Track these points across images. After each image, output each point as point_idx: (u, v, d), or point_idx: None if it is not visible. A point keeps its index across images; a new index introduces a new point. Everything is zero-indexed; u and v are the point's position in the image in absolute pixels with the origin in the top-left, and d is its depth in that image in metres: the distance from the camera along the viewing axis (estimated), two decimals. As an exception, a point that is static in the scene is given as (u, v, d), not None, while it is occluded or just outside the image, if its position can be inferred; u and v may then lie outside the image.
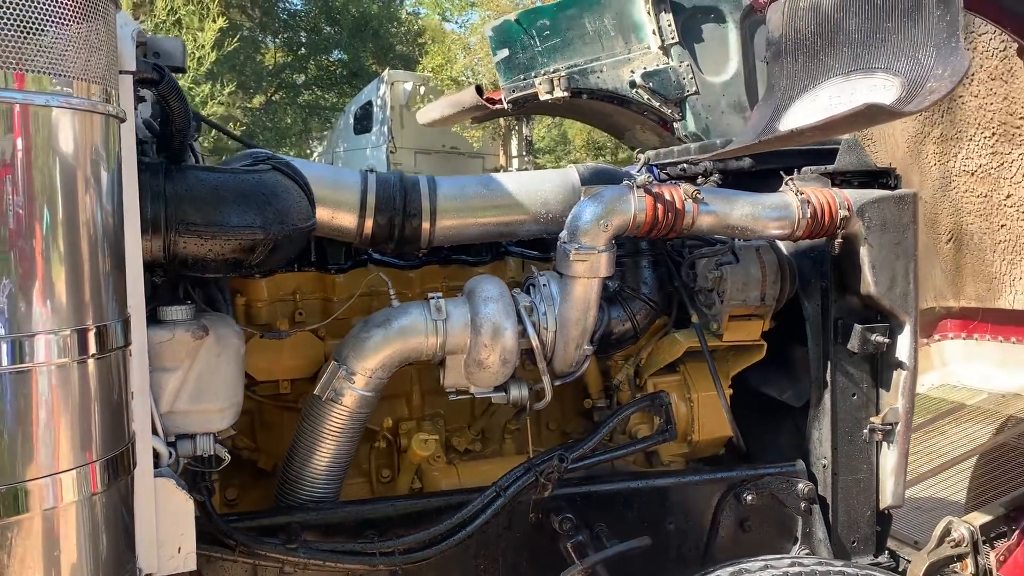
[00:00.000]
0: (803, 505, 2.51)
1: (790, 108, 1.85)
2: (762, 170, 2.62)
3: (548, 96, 3.76)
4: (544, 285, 2.33)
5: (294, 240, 1.91)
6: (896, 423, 2.47)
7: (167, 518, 1.71)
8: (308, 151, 22.50)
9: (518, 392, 2.38)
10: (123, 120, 1.33)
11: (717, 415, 2.62)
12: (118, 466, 1.37)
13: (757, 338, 2.57)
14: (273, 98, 21.40)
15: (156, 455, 1.74)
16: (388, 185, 2.27)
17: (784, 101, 1.88)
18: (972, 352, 4.24)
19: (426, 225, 2.29)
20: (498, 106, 3.88)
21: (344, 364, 2.22)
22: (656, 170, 3.07)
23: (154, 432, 1.74)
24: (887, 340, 2.41)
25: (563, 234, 2.23)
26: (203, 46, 10.15)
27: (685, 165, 2.91)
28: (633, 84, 3.95)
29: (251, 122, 19.44)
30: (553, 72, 3.82)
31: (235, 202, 1.81)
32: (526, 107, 3.88)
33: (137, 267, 1.65)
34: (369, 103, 17.67)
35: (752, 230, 2.32)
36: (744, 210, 2.29)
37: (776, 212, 2.31)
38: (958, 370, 4.32)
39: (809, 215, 2.31)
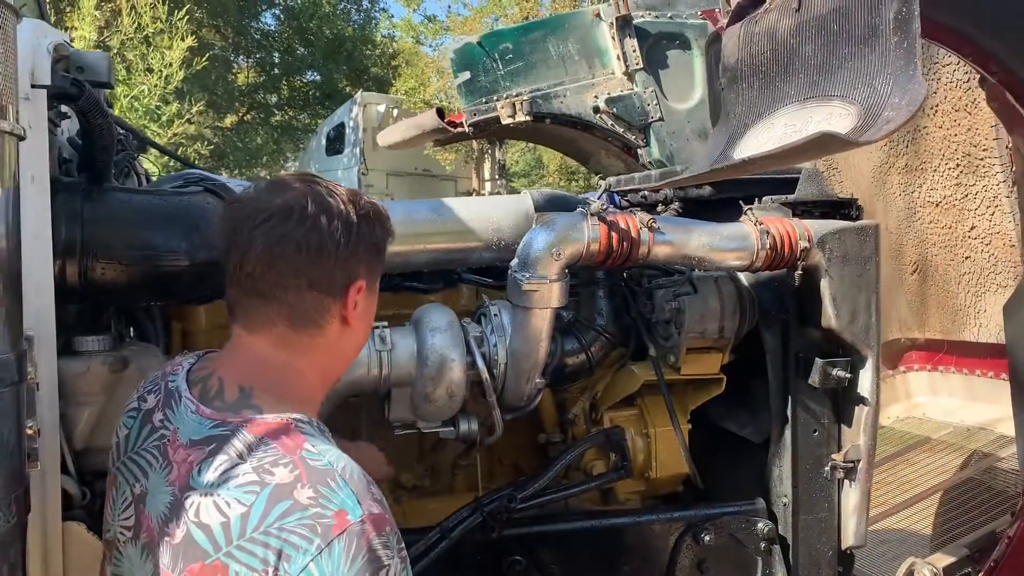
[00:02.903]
0: (763, 545, 2.42)
1: (745, 135, 1.78)
2: (722, 199, 2.56)
3: (510, 120, 3.69)
4: (495, 315, 2.24)
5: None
6: (858, 460, 2.40)
7: (77, 563, 1.59)
8: (280, 172, 22.32)
9: (467, 427, 2.28)
10: (21, 138, 1.22)
11: (675, 451, 2.52)
12: (6, 510, 1.25)
13: (716, 372, 2.49)
14: (245, 118, 21.24)
15: (68, 496, 1.62)
16: (333, 209, 2.17)
17: (739, 128, 1.82)
18: (937, 384, 4.20)
19: (372, 252, 2.19)
20: (459, 129, 3.79)
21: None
22: (617, 197, 3.01)
23: (66, 471, 1.63)
24: (848, 375, 2.33)
25: (514, 263, 2.14)
26: (171, 64, 10.02)
27: (646, 193, 2.84)
28: (597, 109, 3.88)
29: (222, 142, 19.27)
30: (516, 96, 3.75)
31: (159, 226, 1.70)
32: (488, 131, 3.81)
33: (47, 295, 1.54)
34: (342, 124, 17.60)
35: (710, 261, 2.24)
36: (702, 240, 2.22)
37: (735, 242, 2.24)
38: (923, 402, 4.28)
39: (769, 246, 2.24)
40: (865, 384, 2.38)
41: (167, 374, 1.34)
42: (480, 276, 2.64)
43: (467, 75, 3.74)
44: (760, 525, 2.42)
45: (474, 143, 20.85)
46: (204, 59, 11.22)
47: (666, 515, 2.45)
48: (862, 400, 2.38)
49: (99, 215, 1.65)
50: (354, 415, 2.51)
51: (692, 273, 2.42)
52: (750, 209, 2.30)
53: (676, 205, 2.71)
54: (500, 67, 3.76)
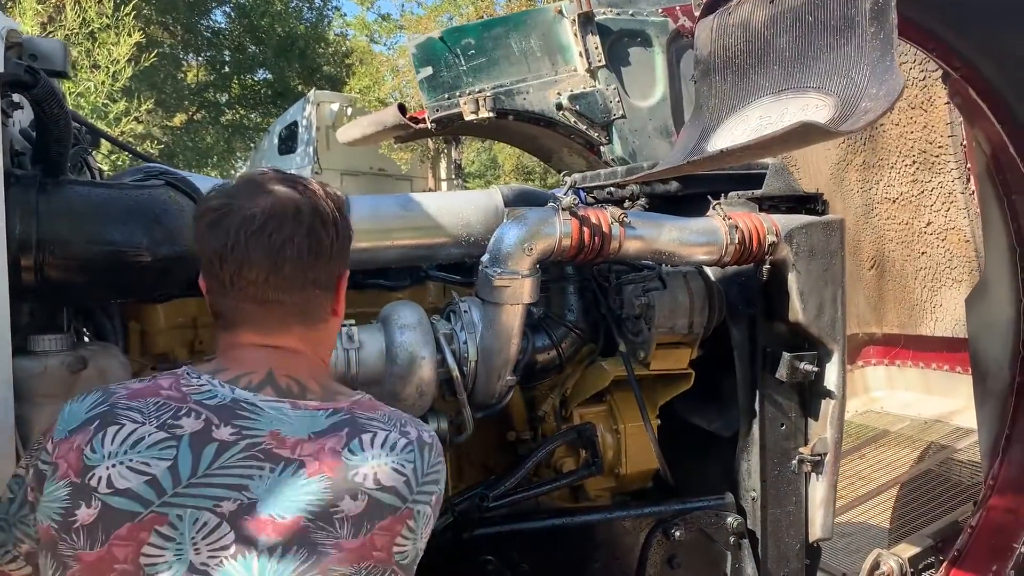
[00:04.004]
0: (732, 540, 2.43)
1: (719, 128, 1.77)
2: (689, 194, 2.56)
3: (473, 116, 3.65)
4: (465, 311, 2.20)
5: (187, 262, 1.74)
6: (825, 453, 2.42)
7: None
8: (232, 172, 21.96)
9: (436, 425, 2.24)
10: (-28, 126, 1.16)
11: (645, 447, 2.52)
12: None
13: (685, 367, 2.49)
14: (195, 117, 20.83)
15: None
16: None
17: (712, 121, 1.81)
18: (894, 378, 4.27)
19: (338, 247, 2.14)
20: (421, 125, 3.75)
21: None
22: (583, 193, 2.99)
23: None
24: (815, 368, 2.35)
25: (485, 258, 2.11)
26: (117, 60, 9.76)
27: (612, 189, 2.83)
28: (560, 106, 3.88)
29: (171, 141, 18.87)
30: (478, 92, 3.72)
31: (118, 220, 1.63)
32: (450, 127, 3.77)
33: (1, 290, 1.47)
34: (294, 123, 17.34)
35: (679, 255, 2.24)
36: (672, 235, 2.21)
37: (703, 237, 2.24)
38: (881, 396, 4.35)
39: (737, 240, 2.24)
40: (831, 378, 2.40)
41: (184, 396, 1.26)
42: (448, 273, 2.61)
43: (429, 71, 3.70)
44: (729, 520, 2.43)
45: (430, 142, 20.75)
46: (152, 56, 10.97)
47: (636, 511, 2.44)
48: (828, 393, 2.40)
49: (55, 209, 1.57)
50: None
51: (661, 268, 2.42)
52: (718, 204, 2.30)
53: (643, 201, 2.70)
54: (462, 63, 3.73)
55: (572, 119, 3.89)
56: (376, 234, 2.18)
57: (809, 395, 2.45)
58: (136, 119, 11.72)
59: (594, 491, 2.54)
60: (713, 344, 2.50)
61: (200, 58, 21.13)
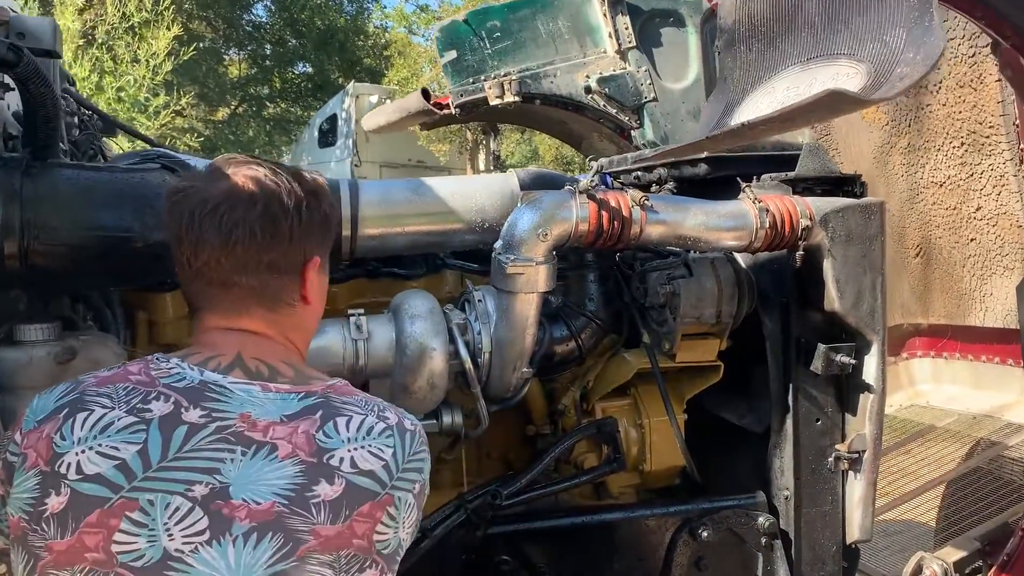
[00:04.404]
0: (764, 541, 2.30)
1: (744, 101, 1.65)
2: (719, 177, 2.43)
3: (498, 100, 3.54)
4: (479, 301, 2.11)
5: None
6: (863, 450, 2.28)
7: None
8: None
9: (451, 419, 2.16)
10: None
11: (670, 442, 2.40)
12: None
13: (713, 358, 2.37)
14: (237, 111, 21.01)
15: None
16: (304, 189, 2.04)
17: (737, 94, 1.68)
18: (941, 371, 4.08)
19: (346, 233, 2.06)
20: (446, 111, 3.65)
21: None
22: (609, 179, 2.88)
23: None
24: (853, 361, 2.21)
25: (498, 244, 2.01)
26: (156, 54, 9.84)
27: (639, 173, 2.71)
28: (588, 89, 3.74)
29: (213, 135, 19.06)
30: (504, 76, 3.61)
31: (108, 204, 1.57)
32: (475, 113, 3.67)
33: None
34: (334, 116, 17.39)
35: (706, 241, 2.11)
36: (697, 219, 2.09)
37: (732, 221, 2.11)
38: (926, 390, 4.15)
39: (768, 224, 2.11)
40: (870, 370, 2.25)
41: (153, 380, 1.24)
42: (465, 261, 2.51)
43: (453, 54, 3.60)
44: (760, 519, 2.30)
45: (468, 133, 20.69)
46: (191, 49, 11.04)
47: (661, 510, 2.33)
48: (867, 387, 2.26)
49: (41, 193, 1.51)
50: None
51: (687, 255, 2.30)
52: (748, 187, 2.17)
53: (671, 186, 2.58)
54: (487, 46, 3.62)
55: (601, 103, 3.75)
56: (385, 220, 2.10)
57: (846, 389, 2.31)
58: (179, 113, 11.81)
59: (617, 488, 2.44)
60: (744, 335, 2.38)
61: (242, 53, 21.31)
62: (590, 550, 2.23)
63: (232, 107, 20.77)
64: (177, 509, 1.15)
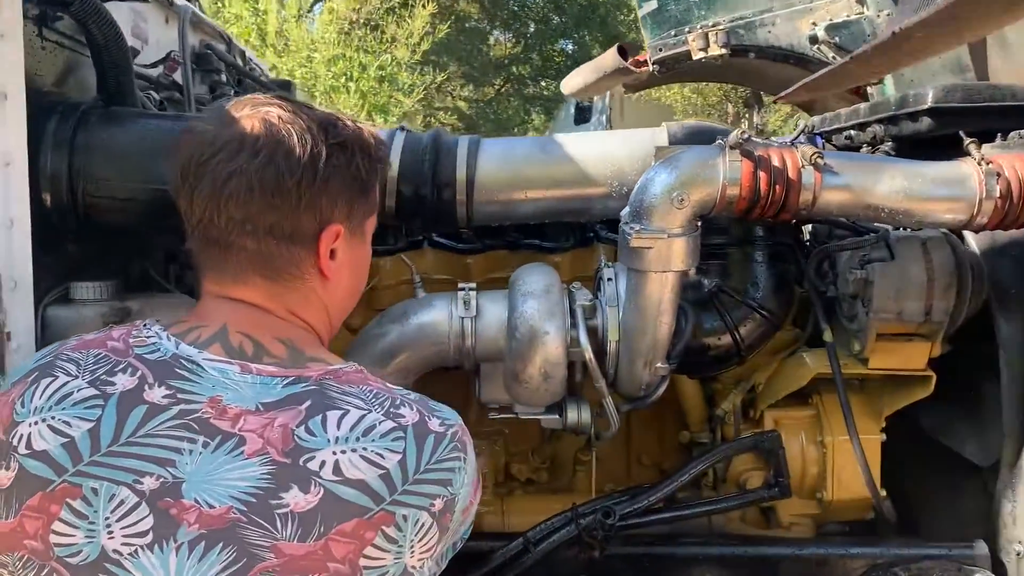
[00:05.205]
0: (980, 607, 1.76)
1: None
2: (948, 136, 1.88)
3: (702, 54, 3.09)
4: (609, 280, 1.77)
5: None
6: None
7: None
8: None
9: (577, 416, 1.84)
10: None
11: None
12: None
13: (921, 367, 1.85)
14: (501, 90, 21.62)
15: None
16: (417, 147, 1.81)
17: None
18: None
19: (461, 198, 1.81)
20: (643, 68, 3.27)
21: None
22: (821, 140, 2.41)
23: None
24: (1125, 384, 1.61)
25: (625, 212, 1.66)
26: (412, 33, 10.22)
27: (851, 133, 2.21)
28: (815, 39, 3.17)
29: (475, 113, 19.74)
30: (712, 26, 3.16)
31: (164, 154, 1.43)
32: (676, 70, 3.24)
33: (22, 230, 1.33)
34: (592, 92, 17.28)
35: (907, 213, 1.61)
36: (895, 184, 1.59)
37: (945, 188, 1.59)
38: None
39: (999, 193, 1.57)
40: None
41: (127, 349, 1.08)
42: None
43: (653, 4, 3.22)
44: (978, 577, 1.76)
45: (729, 106, 19.73)
46: (446, 26, 11.37)
47: (840, 550, 1.86)
48: None
49: (93, 142, 1.41)
50: (464, 389, 2.16)
51: (890, 232, 1.80)
52: (972, 143, 1.63)
53: (887, 146, 2.06)
54: (694, -8, 3.19)
55: (830, 54, 3.17)
56: (506, 184, 1.82)
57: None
58: (438, 89, 12.24)
59: (787, 517, 1.99)
60: (968, 339, 1.83)
61: (507, 32, 21.86)
62: (741, 589, 1.83)
63: (496, 87, 21.38)
64: (122, 503, 0.98)
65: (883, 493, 1.91)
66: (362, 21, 10.44)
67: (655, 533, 1.85)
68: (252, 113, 1.09)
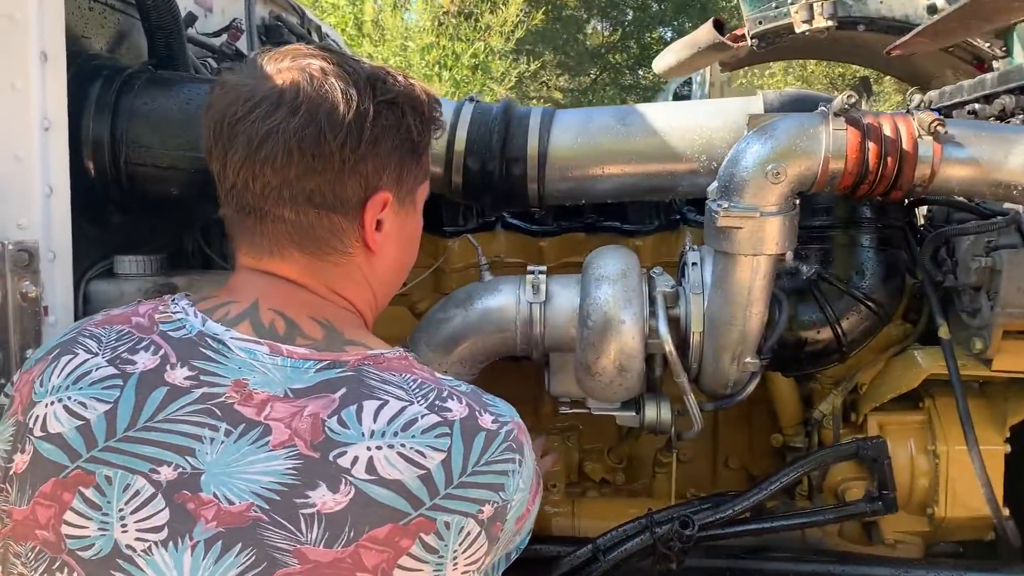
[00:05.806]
0: (1123, 651, 1.53)
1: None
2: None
3: (805, 27, 2.85)
4: (694, 264, 1.60)
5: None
6: None
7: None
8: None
9: (655, 413, 1.69)
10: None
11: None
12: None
13: (1055, 370, 1.61)
14: (597, 80, 21.31)
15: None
16: (486, 119, 1.68)
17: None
18: None
19: (532, 173, 1.67)
20: (741, 43, 3.05)
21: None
22: (939, 115, 2.17)
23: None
24: None
25: (712, 187, 1.49)
26: (505, 21, 10.12)
27: (976, 107, 1.98)
28: (933, 9, 2.90)
29: (569, 103, 19.52)
30: (816, -3, 2.92)
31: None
32: (777, 45, 3.00)
33: (61, 200, 1.26)
34: (689, 80, 16.87)
35: (1045, 191, 1.39)
36: (1030, 157, 1.37)
37: (1092, 162, 1.36)
38: None
39: None
40: None
41: (152, 325, 0.99)
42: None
43: (752, -26, 2.99)
44: (1118, 619, 1.53)
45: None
46: (540, 13, 11.22)
47: (953, 573, 1.64)
48: None
49: (137, 108, 1.33)
50: (537, 380, 2.03)
51: (1021, 214, 1.57)
52: None
53: (1021, 119, 1.82)
54: (797, -39, 2.95)
55: (951, 26, 2.90)
56: (582, 158, 1.66)
57: None
58: (532, 77, 12.06)
59: (892, 534, 1.78)
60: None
61: (604, 20, 21.53)
62: (835, 613, 1.64)
63: (591, 75, 21.08)
64: (137, 494, 0.89)
65: (1006, 511, 1.69)
66: (456, 10, 10.41)
67: (741, 545, 1.68)
68: (292, 65, 0.99)
